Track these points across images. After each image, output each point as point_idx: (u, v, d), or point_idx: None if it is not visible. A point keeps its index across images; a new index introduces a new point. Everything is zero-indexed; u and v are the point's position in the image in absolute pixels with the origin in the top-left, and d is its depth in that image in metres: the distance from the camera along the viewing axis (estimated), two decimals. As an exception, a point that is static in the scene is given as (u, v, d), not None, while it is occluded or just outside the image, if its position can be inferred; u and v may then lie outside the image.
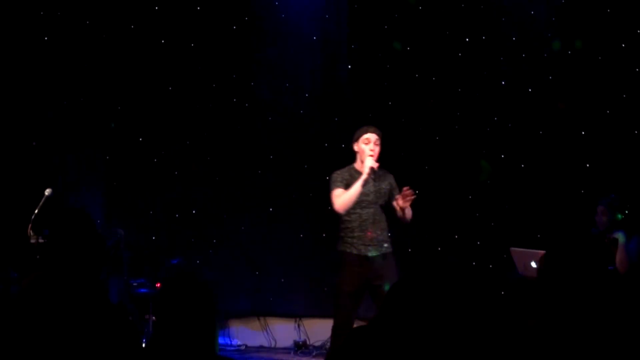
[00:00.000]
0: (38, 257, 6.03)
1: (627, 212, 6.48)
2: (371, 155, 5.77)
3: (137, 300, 6.77)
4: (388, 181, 5.93)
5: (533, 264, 6.37)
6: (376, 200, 5.84)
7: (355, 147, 5.88)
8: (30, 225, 6.14)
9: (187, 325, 2.86)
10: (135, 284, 6.93)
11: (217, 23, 7.66)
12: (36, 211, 6.18)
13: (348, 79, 7.58)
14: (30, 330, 3.23)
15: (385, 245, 5.84)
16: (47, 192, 6.31)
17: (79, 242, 3.43)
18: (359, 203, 5.78)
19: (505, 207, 7.18)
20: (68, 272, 3.38)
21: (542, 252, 6.14)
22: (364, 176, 5.72)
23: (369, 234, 5.78)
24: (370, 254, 5.77)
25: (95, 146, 7.78)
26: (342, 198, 5.77)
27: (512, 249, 6.60)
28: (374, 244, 5.79)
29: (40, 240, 6.15)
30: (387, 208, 5.91)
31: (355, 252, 5.79)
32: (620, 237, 6.36)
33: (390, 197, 5.89)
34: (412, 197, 5.68)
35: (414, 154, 7.37)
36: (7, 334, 3.25)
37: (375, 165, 5.77)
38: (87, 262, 3.43)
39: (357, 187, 5.73)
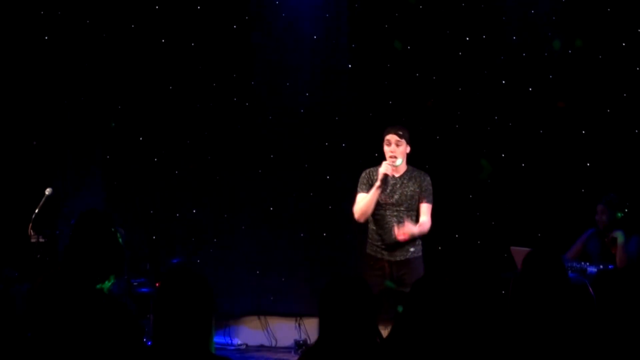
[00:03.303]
0: (39, 256, 6.04)
1: (626, 211, 6.50)
2: (392, 157, 5.67)
3: (137, 300, 6.76)
4: (418, 183, 5.77)
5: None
6: (401, 203, 5.71)
7: (383, 149, 5.81)
8: (30, 225, 6.15)
9: (183, 323, 2.86)
10: (135, 284, 6.93)
11: (217, 23, 7.66)
12: (37, 210, 6.18)
13: (348, 79, 7.58)
14: (36, 328, 3.23)
15: (412, 249, 5.74)
16: (48, 191, 6.32)
17: (98, 243, 3.44)
18: (382, 205, 5.70)
19: (505, 206, 7.18)
20: (87, 273, 3.39)
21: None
22: (377, 183, 5.62)
23: (392, 238, 5.68)
24: (393, 259, 5.70)
25: (95, 146, 7.78)
26: (359, 206, 5.70)
27: (513, 248, 6.61)
28: (397, 248, 5.70)
29: (41, 240, 6.16)
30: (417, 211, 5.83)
31: (379, 256, 5.73)
32: (619, 236, 6.38)
33: (417, 200, 5.76)
34: (403, 237, 5.60)
35: (414, 153, 7.35)
36: (10, 331, 3.26)
37: (389, 171, 5.64)
38: (106, 263, 3.44)
39: (370, 196, 5.65)
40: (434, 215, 7.25)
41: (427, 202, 5.79)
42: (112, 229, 3.55)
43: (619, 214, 6.46)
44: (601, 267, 6.26)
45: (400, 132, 5.73)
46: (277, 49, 7.66)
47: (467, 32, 7.30)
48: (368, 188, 5.72)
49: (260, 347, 7.71)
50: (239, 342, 7.71)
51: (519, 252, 6.55)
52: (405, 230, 5.61)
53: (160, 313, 2.88)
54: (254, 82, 7.69)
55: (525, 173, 7.20)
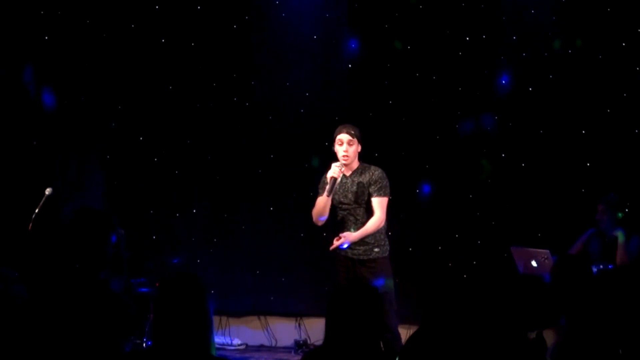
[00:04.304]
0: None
1: (627, 210, 6.50)
2: (345, 157, 5.58)
3: (137, 300, 6.76)
4: (367, 178, 5.64)
5: (534, 263, 6.38)
6: (355, 200, 5.63)
7: (334, 149, 5.71)
8: (31, 225, 6.14)
9: (181, 325, 2.87)
10: (135, 284, 6.93)
11: (217, 23, 7.66)
12: (37, 210, 6.18)
13: (348, 79, 7.58)
14: (34, 327, 3.23)
15: (376, 249, 5.64)
16: (48, 191, 6.31)
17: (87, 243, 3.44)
18: (339, 205, 5.67)
19: (505, 206, 7.19)
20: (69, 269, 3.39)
21: (544, 250, 6.20)
22: (327, 187, 5.55)
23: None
24: (355, 257, 5.64)
25: (95, 145, 7.78)
26: (314, 209, 5.69)
27: (513, 247, 6.61)
28: (359, 246, 5.62)
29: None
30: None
31: (342, 253, 5.67)
32: (620, 235, 6.38)
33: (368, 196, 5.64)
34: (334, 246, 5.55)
35: (414, 153, 7.36)
36: (9, 331, 3.25)
37: (336, 174, 5.55)
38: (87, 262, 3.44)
39: (322, 200, 5.61)
40: (435, 215, 7.31)
41: (378, 195, 5.60)
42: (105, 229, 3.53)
43: (620, 214, 6.47)
44: (601, 267, 6.26)
45: (352, 132, 5.62)
46: (277, 49, 7.66)
47: (467, 32, 7.30)
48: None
49: (260, 347, 7.71)
50: (239, 342, 7.70)
51: (519, 252, 6.57)
52: (339, 241, 5.54)
53: (159, 316, 2.89)
54: (254, 82, 7.69)
55: (525, 173, 7.20)
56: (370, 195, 5.62)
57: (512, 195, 7.20)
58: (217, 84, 7.70)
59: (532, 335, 3.53)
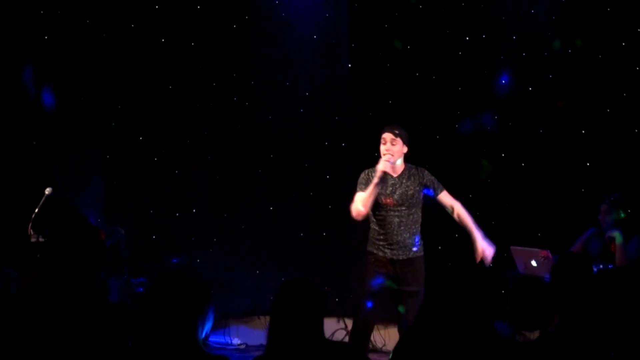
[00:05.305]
0: (38, 256, 6.04)
1: (629, 210, 6.50)
2: (386, 154, 5.60)
3: (138, 300, 6.76)
4: (419, 181, 5.70)
5: (533, 263, 6.39)
6: (402, 203, 5.64)
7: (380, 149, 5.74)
8: (30, 225, 6.15)
9: (168, 324, 2.87)
10: (135, 283, 6.93)
11: (217, 22, 7.66)
12: (36, 210, 6.19)
13: (348, 79, 7.59)
14: (29, 330, 3.23)
15: (414, 249, 5.69)
16: (48, 191, 6.32)
17: (76, 241, 3.44)
18: (383, 206, 5.64)
19: (505, 206, 7.19)
20: (66, 271, 3.39)
21: (544, 250, 6.19)
22: (374, 180, 5.54)
23: (394, 237, 5.65)
24: (395, 258, 5.65)
25: (95, 145, 7.77)
26: (356, 204, 5.60)
27: (513, 247, 6.62)
28: (400, 247, 5.65)
29: (41, 239, 6.17)
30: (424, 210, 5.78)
31: (380, 254, 5.67)
32: (617, 236, 6.37)
33: (424, 197, 5.72)
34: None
35: (414, 153, 7.34)
36: (6, 333, 3.25)
37: (388, 168, 5.57)
38: (85, 262, 3.43)
39: (367, 193, 5.56)
40: (434, 214, 7.29)
41: (442, 190, 5.77)
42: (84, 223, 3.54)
43: (622, 214, 6.47)
44: (601, 266, 6.26)
45: (397, 131, 5.65)
46: (277, 49, 7.66)
47: (467, 32, 7.31)
48: (366, 187, 5.65)
49: (260, 347, 7.69)
50: (239, 342, 7.70)
51: (519, 252, 6.57)
52: (488, 254, 5.74)
53: (148, 315, 2.89)
54: (254, 82, 7.69)
55: (525, 173, 7.21)
56: (435, 195, 5.77)
57: (512, 195, 7.20)
58: (217, 84, 7.70)
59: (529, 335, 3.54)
